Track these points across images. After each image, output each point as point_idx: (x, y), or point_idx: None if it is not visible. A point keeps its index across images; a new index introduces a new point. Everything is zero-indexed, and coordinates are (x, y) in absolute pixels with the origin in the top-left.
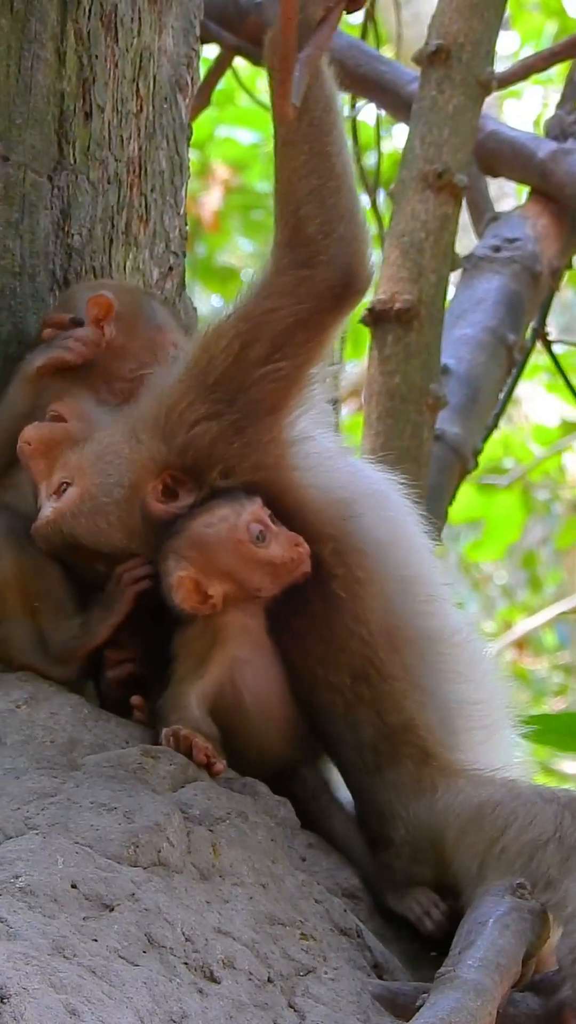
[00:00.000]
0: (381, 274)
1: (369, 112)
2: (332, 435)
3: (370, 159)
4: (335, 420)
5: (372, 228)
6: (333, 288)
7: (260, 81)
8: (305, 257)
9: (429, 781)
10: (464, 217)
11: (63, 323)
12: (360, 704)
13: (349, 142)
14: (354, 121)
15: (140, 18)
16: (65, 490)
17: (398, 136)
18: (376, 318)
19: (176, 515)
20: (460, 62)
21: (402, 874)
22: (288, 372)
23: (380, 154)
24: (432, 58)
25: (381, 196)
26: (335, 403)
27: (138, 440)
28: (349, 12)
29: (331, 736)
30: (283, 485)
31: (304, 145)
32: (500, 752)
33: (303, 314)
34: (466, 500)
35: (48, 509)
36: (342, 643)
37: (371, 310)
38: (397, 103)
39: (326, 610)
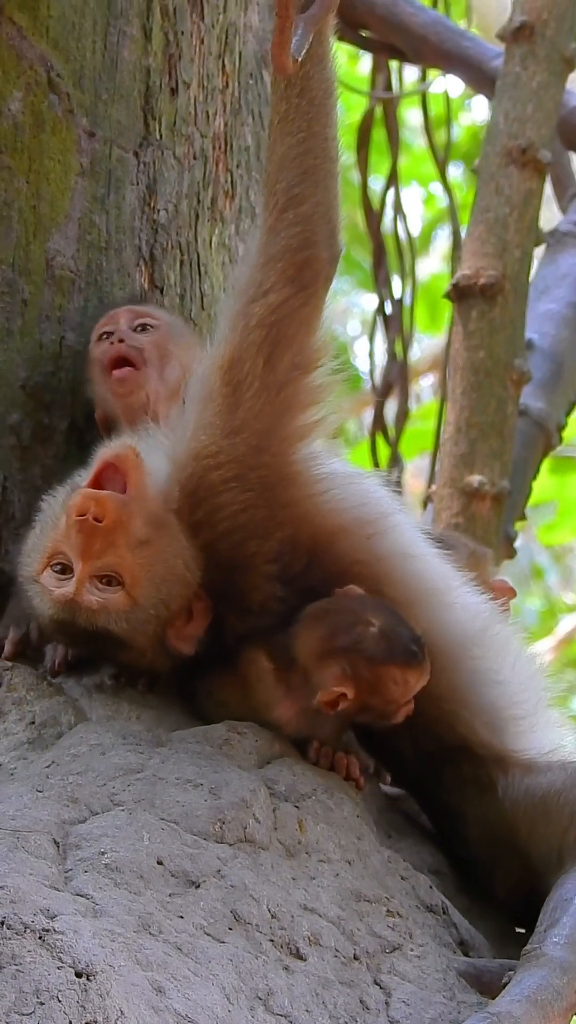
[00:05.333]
0: (465, 249)
1: (440, 85)
2: (337, 454)
3: (444, 133)
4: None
5: (444, 201)
6: (325, 267)
7: (343, 57)
8: (302, 239)
9: (487, 779)
10: (548, 192)
11: None
12: (415, 725)
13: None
14: (424, 95)
15: None
16: (110, 583)
17: (477, 109)
18: (461, 293)
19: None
20: (544, 38)
21: (484, 868)
22: (309, 373)
23: (448, 127)
24: (516, 34)
25: (454, 170)
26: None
27: (186, 550)
28: None
29: (392, 752)
30: (308, 512)
31: (302, 123)
32: (545, 732)
33: (310, 299)
34: (540, 482)
35: (91, 597)
36: None
37: (456, 285)
38: (481, 79)
39: None
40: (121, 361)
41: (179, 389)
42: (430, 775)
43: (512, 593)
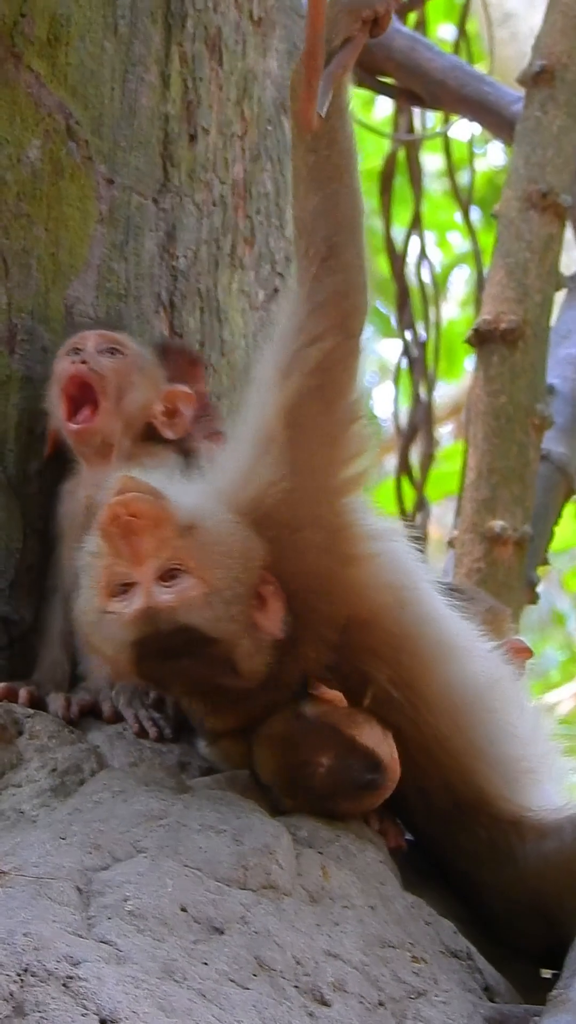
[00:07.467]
0: (486, 294)
1: (462, 129)
2: (373, 510)
3: (463, 177)
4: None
5: (460, 247)
6: (365, 315)
7: (359, 102)
8: (347, 286)
9: (504, 843)
10: (568, 236)
11: None
12: (427, 776)
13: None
14: (446, 138)
15: (244, 41)
16: (175, 576)
17: (493, 154)
18: (481, 338)
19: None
20: (564, 82)
21: (505, 925)
22: (358, 421)
23: (473, 172)
24: (536, 79)
25: (472, 215)
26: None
27: (240, 529)
28: (373, 37)
29: (403, 806)
30: (339, 579)
31: (334, 174)
32: (554, 785)
33: (357, 347)
34: (562, 527)
35: (165, 595)
36: (407, 731)
37: (476, 330)
38: (500, 123)
39: (388, 705)
40: (79, 382)
41: (136, 421)
42: (445, 839)
43: (529, 654)
